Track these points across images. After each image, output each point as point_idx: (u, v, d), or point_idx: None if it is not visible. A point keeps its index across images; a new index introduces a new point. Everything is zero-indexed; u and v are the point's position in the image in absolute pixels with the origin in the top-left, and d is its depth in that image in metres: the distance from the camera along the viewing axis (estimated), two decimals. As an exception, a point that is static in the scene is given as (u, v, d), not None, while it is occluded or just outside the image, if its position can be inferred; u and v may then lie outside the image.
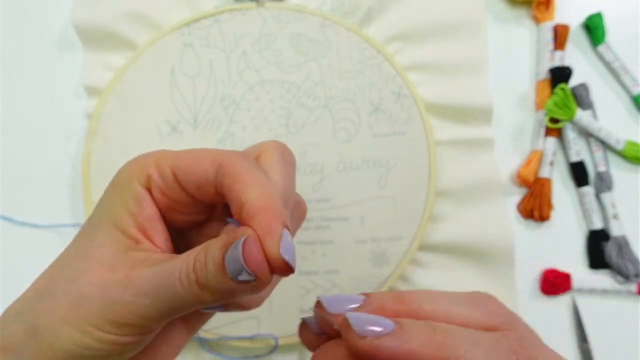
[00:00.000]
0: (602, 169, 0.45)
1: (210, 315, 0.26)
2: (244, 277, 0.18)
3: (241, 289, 0.18)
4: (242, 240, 0.18)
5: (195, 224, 0.24)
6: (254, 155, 0.23)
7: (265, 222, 0.18)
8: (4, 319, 0.22)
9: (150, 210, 0.22)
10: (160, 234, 0.22)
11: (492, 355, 0.18)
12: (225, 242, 0.19)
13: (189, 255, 0.20)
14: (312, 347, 0.21)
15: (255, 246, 0.18)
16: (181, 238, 0.24)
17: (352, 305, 0.19)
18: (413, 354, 0.17)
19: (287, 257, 0.18)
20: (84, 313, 0.20)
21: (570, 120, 0.45)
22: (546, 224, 0.45)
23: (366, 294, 0.20)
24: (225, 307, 0.23)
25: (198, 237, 0.24)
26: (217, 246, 0.19)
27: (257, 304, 0.25)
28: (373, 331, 0.18)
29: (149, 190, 0.22)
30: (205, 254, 0.19)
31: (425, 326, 0.18)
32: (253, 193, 0.19)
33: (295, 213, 0.25)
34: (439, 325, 0.18)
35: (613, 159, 0.46)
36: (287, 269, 0.18)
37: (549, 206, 0.44)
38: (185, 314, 0.21)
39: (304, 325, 0.21)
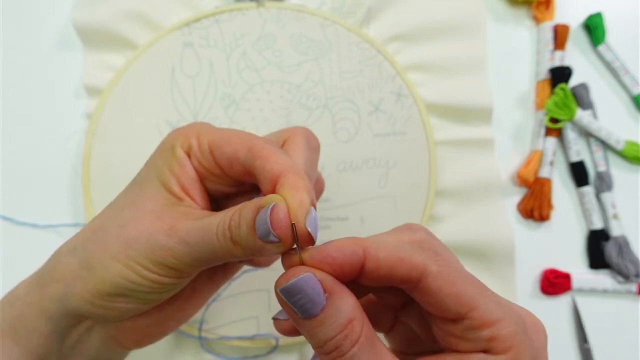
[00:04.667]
0: (602, 169, 0.45)
1: (232, 273, 0.30)
2: (270, 238, 0.20)
3: (267, 248, 0.21)
4: (271, 206, 0.20)
5: (226, 195, 0.27)
6: (282, 139, 0.27)
7: (297, 198, 0.21)
8: (58, 255, 0.26)
9: (191, 173, 0.25)
10: (200, 193, 0.26)
11: (399, 244, 0.21)
12: (257, 206, 0.21)
13: (226, 214, 0.22)
14: (287, 333, 0.23)
15: (282, 213, 0.20)
16: (214, 205, 0.27)
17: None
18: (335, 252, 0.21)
19: (310, 229, 0.20)
20: (133, 253, 0.23)
21: (570, 120, 0.45)
22: (546, 224, 0.45)
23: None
24: (241, 260, 0.27)
25: (228, 206, 0.26)
26: (250, 209, 0.21)
27: (268, 263, 0.29)
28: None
29: (189, 157, 0.25)
30: (240, 215, 0.22)
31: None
32: (285, 173, 0.22)
33: (315, 188, 0.29)
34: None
35: (613, 159, 0.46)
36: (309, 240, 0.21)
37: (549, 206, 0.44)
38: (216, 265, 0.24)
39: (276, 321, 0.24)
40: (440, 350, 0.22)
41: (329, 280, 0.20)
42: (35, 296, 0.25)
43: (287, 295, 0.20)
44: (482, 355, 0.20)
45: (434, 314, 0.21)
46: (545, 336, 0.23)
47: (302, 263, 0.21)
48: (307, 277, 0.20)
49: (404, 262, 0.21)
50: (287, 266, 0.21)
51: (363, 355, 0.20)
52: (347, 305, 0.20)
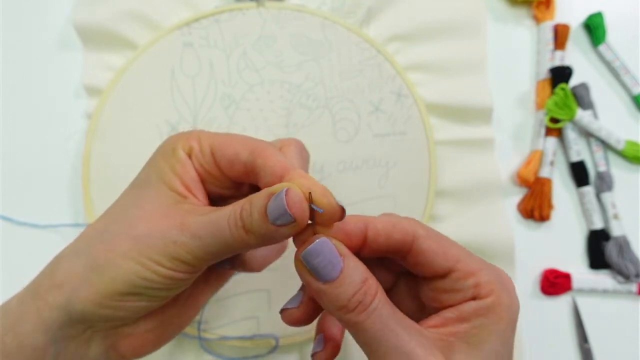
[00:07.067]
0: (602, 168, 0.45)
1: (226, 278, 0.31)
2: (282, 220, 0.22)
3: (279, 232, 0.22)
4: (285, 190, 0.22)
5: (223, 198, 0.28)
6: (276, 147, 0.27)
7: (312, 181, 0.23)
8: (57, 261, 0.25)
9: (192, 173, 0.26)
10: (201, 193, 0.26)
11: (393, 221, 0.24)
12: (268, 193, 0.22)
13: (236, 206, 0.23)
14: (295, 323, 0.25)
15: (297, 195, 0.22)
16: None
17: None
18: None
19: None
20: (146, 250, 0.23)
21: (571, 120, 0.45)
22: (546, 224, 0.45)
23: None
24: (233, 266, 0.28)
25: None
26: (261, 197, 0.22)
27: (261, 267, 0.30)
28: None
29: (190, 158, 0.26)
30: (251, 204, 0.23)
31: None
32: (290, 170, 0.23)
33: None
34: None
35: (613, 158, 0.46)
36: (342, 214, 0.23)
37: (549, 206, 0.44)
38: (228, 257, 0.25)
39: (285, 312, 0.25)
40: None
41: (342, 245, 0.23)
42: (30, 307, 0.24)
43: (309, 257, 0.22)
44: (472, 302, 0.23)
45: (425, 274, 0.24)
46: (514, 287, 0.25)
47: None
48: (325, 241, 0.22)
49: (397, 228, 0.24)
50: (300, 243, 0.23)
51: (384, 307, 0.22)
52: (361, 265, 0.23)
